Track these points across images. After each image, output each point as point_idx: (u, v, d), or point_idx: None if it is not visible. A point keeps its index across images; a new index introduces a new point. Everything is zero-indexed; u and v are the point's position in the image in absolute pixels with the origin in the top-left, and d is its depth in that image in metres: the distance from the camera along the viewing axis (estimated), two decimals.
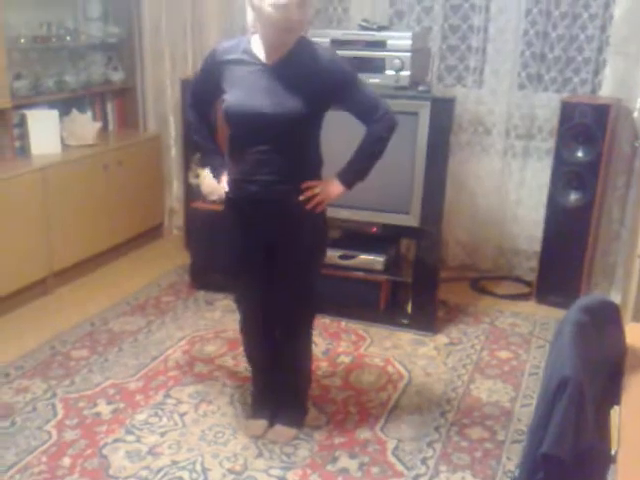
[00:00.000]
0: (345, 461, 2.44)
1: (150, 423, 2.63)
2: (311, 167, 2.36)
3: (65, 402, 2.75)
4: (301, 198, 2.28)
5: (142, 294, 3.77)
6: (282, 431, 2.58)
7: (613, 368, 1.79)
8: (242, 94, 2.23)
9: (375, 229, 3.40)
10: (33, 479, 2.31)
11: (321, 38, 3.40)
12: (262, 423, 2.61)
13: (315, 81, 2.20)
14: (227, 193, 2.39)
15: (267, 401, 2.63)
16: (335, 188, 2.35)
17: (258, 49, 2.24)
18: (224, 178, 2.40)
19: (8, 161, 3.66)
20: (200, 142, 2.49)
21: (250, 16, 2.21)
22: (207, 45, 4.27)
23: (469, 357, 3.18)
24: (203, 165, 2.51)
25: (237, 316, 2.61)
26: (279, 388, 2.62)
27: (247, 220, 2.36)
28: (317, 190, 2.31)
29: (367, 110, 2.30)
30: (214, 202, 3.59)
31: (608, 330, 1.84)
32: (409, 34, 3.33)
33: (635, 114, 3.57)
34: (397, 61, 3.30)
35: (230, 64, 2.26)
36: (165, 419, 2.66)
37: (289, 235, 2.35)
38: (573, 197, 3.57)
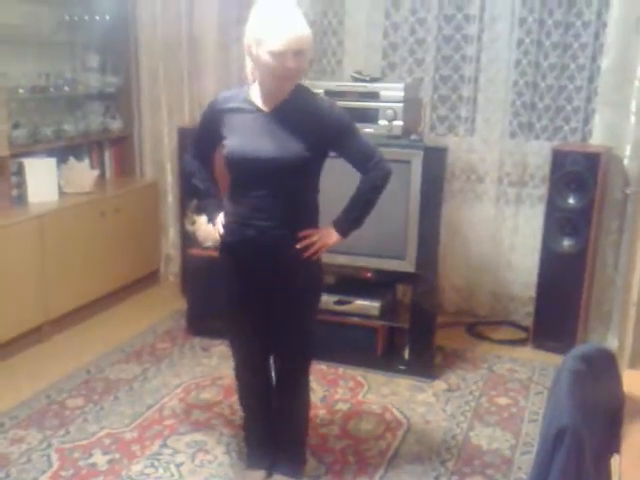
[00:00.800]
0: None
1: (146, 474, 2.59)
2: (308, 214, 2.38)
3: (60, 452, 2.71)
4: (298, 246, 2.30)
5: (138, 341, 3.75)
6: None
7: (611, 417, 1.79)
8: (242, 139, 2.25)
9: (370, 274, 3.42)
10: None
11: (315, 89, 3.47)
12: (260, 474, 2.57)
13: (313, 126, 2.23)
14: (223, 237, 2.41)
15: (264, 450, 2.60)
16: (331, 237, 2.36)
17: (257, 97, 2.28)
18: (219, 222, 2.41)
19: (5, 209, 3.68)
20: (198, 186, 2.51)
21: (249, 65, 2.26)
22: (204, 94, 4.36)
23: (468, 404, 3.16)
24: (200, 209, 2.51)
25: (232, 362, 2.59)
26: (277, 438, 2.58)
27: (243, 265, 2.36)
28: (314, 239, 2.32)
29: (363, 158, 2.33)
30: (209, 248, 3.62)
31: (605, 378, 1.84)
32: (401, 85, 3.41)
33: (625, 161, 3.63)
34: (390, 111, 3.37)
35: (230, 112, 2.30)
36: (161, 470, 2.62)
37: (284, 281, 2.35)
38: (566, 243, 3.61)
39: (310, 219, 2.38)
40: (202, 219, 3.74)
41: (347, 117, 2.33)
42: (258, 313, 2.42)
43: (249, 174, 2.27)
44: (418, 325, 3.38)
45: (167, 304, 4.25)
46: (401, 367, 3.42)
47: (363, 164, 2.34)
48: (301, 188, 2.32)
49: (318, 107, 2.28)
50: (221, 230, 2.40)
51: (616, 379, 1.86)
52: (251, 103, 2.28)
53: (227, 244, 2.40)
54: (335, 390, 3.26)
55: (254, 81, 2.27)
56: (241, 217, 2.31)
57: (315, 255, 2.35)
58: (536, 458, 1.66)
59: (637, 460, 1.70)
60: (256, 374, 2.54)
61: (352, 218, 2.38)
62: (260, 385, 2.56)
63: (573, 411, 1.63)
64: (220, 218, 2.41)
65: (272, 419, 2.58)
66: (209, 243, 3.67)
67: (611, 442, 1.75)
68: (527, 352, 3.72)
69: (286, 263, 2.33)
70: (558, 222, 3.60)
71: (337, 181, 3.31)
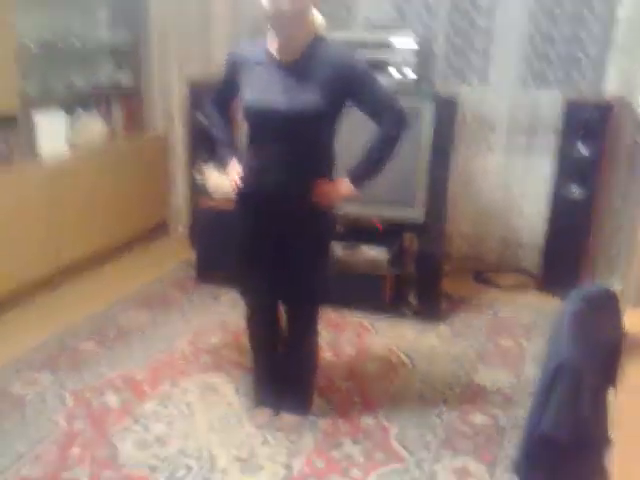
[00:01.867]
0: (349, 447, 2.48)
1: (157, 412, 2.67)
2: (325, 165, 2.39)
3: (74, 393, 2.80)
4: (313, 199, 2.32)
5: (148, 289, 3.83)
6: (288, 419, 2.62)
7: (611, 352, 1.83)
8: (259, 92, 2.27)
9: (379, 223, 3.44)
10: (43, 468, 2.35)
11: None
12: (267, 411, 2.65)
13: (330, 77, 2.22)
14: (239, 187, 2.43)
15: (272, 390, 2.68)
16: (345, 187, 2.36)
17: (274, 49, 2.28)
18: (234, 170, 2.43)
19: (17, 161, 3.72)
20: (216, 134, 2.53)
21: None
22: (214, 47, 4.36)
23: (472, 347, 3.21)
24: (216, 158, 2.52)
25: (241, 309, 2.65)
26: (286, 377, 2.66)
27: (258, 214, 2.40)
28: (328, 189, 2.34)
29: (381, 108, 2.31)
30: (218, 199, 3.65)
31: (606, 316, 1.87)
32: (413, 35, 3.38)
33: (638, 110, 3.59)
34: (401, 61, 3.34)
35: (248, 63, 2.31)
36: (172, 408, 2.70)
37: (298, 230, 2.38)
38: (575, 190, 3.60)
39: (326, 171, 2.39)
40: (212, 170, 3.77)
41: (366, 66, 2.31)
42: (269, 261, 2.45)
43: (265, 126, 2.29)
44: (425, 272, 3.42)
45: (176, 254, 4.31)
46: (407, 312, 3.46)
47: (380, 114, 2.31)
48: (317, 140, 2.33)
49: (335, 57, 2.26)
50: (236, 178, 2.42)
51: (616, 316, 1.89)
52: (269, 55, 2.28)
53: (243, 194, 2.42)
54: (342, 334, 3.31)
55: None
56: (258, 168, 2.34)
57: (329, 205, 2.37)
58: (536, 391, 1.71)
59: (632, 392, 1.74)
60: (266, 320, 2.60)
61: (366, 169, 2.38)
62: (269, 330, 2.63)
63: (572, 347, 1.66)
64: (235, 166, 2.43)
65: (280, 361, 2.65)
66: (219, 194, 3.70)
67: (609, 377, 1.79)
68: (534, 298, 3.75)
69: (301, 213, 2.36)
70: (568, 170, 3.60)
71: (355, 131, 3.33)
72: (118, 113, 4.59)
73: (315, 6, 2.29)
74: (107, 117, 4.48)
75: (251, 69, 2.30)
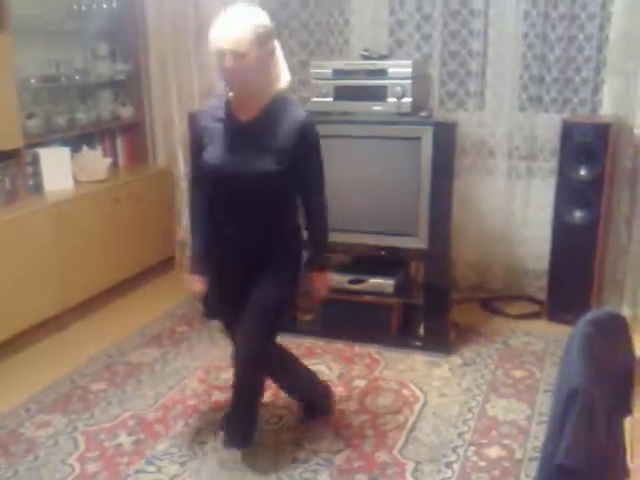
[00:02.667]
0: None
1: (171, 453, 2.66)
2: (287, 217, 2.45)
3: (86, 435, 2.79)
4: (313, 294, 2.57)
5: (157, 325, 3.82)
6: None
7: (623, 379, 1.83)
8: (216, 151, 2.30)
9: (383, 252, 3.45)
10: None
11: (323, 69, 3.50)
12: (235, 452, 2.63)
13: (284, 139, 2.26)
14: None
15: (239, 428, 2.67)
16: (325, 279, 2.63)
17: (235, 106, 2.31)
18: (196, 284, 2.49)
19: (22, 199, 3.74)
20: (194, 238, 2.52)
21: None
22: (213, 78, 4.38)
23: (483, 377, 3.20)
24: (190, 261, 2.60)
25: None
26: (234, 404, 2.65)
27: (223, 265, 2.46)
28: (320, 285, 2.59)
29: (314, 182, 2.41)
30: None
31: (617, 342, 1.87)
32: (409, 62, 3.41)
33: (635, 130, 3.62)
34: (398, 88, 3.37)
35: (212, 122, 2.34)
36: (185, 448, 2.69)
37: (266, 269, 2.42)
38: (578, 215, 3.61)
39: (290, 220, 2.46)
40: None
41: (317, 139, 2.35)
42: (237, 296, 2.47)
43: (225, 188, 2.33)
44: (432, 301, 3.41)
45: (183, 289, 4.22)
46: (417, 343, 3.46)
47: (309, 192, 2.43)
48: (280, 203, 2.37)
49: (292, 119, 2.28)
50: (199, 288, 2.50)
51: (627, 342, 1.89)
52: (229, 112, 2.31)
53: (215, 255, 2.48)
54: (352, 367, 3.31)
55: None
56: (216, 223, 2.39)
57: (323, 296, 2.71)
58: (549, 420, 1.70)
59: None
60: None
61: (321, 251, 2.58)
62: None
63: (584, 373, 1.66)
64: (199, 281, 2.48)
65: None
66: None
67: (623, 404, 1.78)
68: (542, 325, 3.75)
69: (269, 261, 2.42)
70: (569, 194, 3.60)
71: (338, 164, 3.36)
72: (121, 147, 4.62)
73: (277, 64, 2.31)
74: (110, 151, 4.51)
75: (213, 128, 2.33)
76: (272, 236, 2.40)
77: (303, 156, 2.31)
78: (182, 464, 2.59)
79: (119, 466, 2.58)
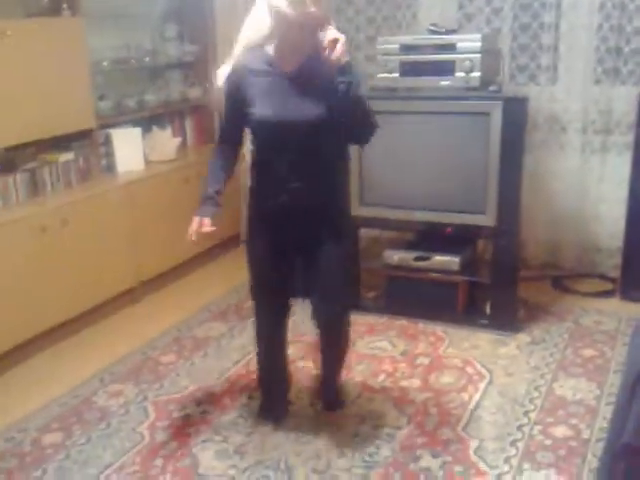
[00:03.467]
0: (427, 460, 2.45)
1: (236, 424, 2.72)
2: (340, 172, 2.42)
3: (156, 405, 2.88)
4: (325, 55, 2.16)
5: (223, 301, 3.90)
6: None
7: None
8: (266, 105, 2.27)
9: (450, 230, 3.41)
10: (128, 478, 2.43)
11: (390, 45, 3.46)
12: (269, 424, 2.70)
13: (331, 84, 2.20)
14: (254, 205, 2.48)
15: (275, 400, 2.77)
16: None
17: (277, 58, 2.29)
18: (203, 226, 2.41)
19: (96, 178, 3.87)
20: (207, 187, 2.50)
21: (266, 25, 2.27)
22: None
23: (552, 356, 3.13)
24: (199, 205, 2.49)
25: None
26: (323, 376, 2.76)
27: (275, 230, 2.43)
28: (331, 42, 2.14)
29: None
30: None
31: None
32: (478, 36, 3.33)
33: None
34: (467, 63, 3.30)
35: (252, 75, 2.30)
36: (250, 420, 2.74)
37: (317, 237, 2.41)
38: None
39: (342, 181, 2.42)
40: None
41: (359, 76, 2.27)
42: (286, 269, 2.50)
43: (275, 140, 2.31)
44: (499, 280, 3.35)
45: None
46: (483, 322, 3.41)
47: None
48: (330, 149, 2.33)
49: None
50: (207, 229, 2.41)
51: None
52: (272, 65, 2.29)
53: (258, 212, 2.47)
54: (416, 345, 3.29)
55: (273, 42, 2.28)
56: (272, 184, 2.36)
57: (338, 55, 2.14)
58: (617, 400, 1.66)
59: None
60: (277, 329, 2.67)
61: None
62: (279, 341, 2.70)
63: None
64: (204, 223, 2.41)
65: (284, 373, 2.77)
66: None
67: None
68: (614, 304, 3.63)
69: (320, 224, 2.39)
70: None
71: (405, 141, 3.32)
72: (190, 127, 4.71)
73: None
74: (180, 131, 4.60)
75: (256, 82, 2.30)
76: (327, 189, 2.37)
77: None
78: (247, 434, 2.64)
79: (187, 435, 2.66)
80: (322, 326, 2.57)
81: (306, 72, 2.27)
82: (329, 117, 2.24)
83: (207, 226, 2.40)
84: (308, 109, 2.24)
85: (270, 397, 2.77)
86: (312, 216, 2.38)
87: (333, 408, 2.78)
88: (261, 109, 2.29)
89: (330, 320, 2.55)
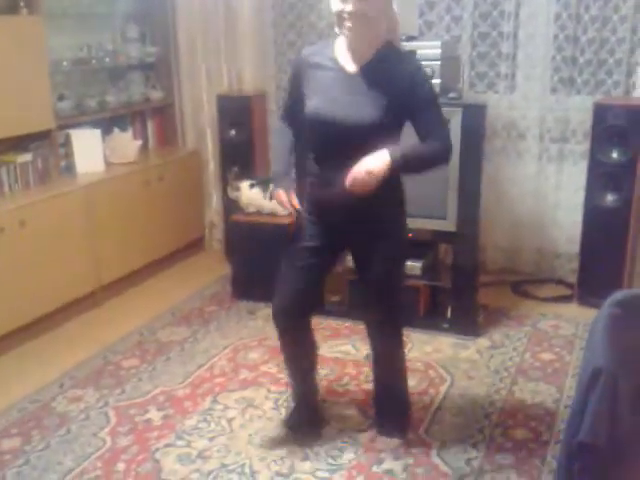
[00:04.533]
0: (390, 463, 2.48)
1: (199, 428, 2.70)
2: (390, 177, 2.29)
3: (117, 410, 2.84)
4: (348, 189, 2.15)
5: (186, 305, 3.87)
6: (385, 442, 2.61)
7: None
8: (321, 101, 2.22)
9: (410, 234, 3.43)
10: None
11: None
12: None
13: (395, 89, 2.16)
14: (303, 201, 2.40)
15: (303, 419, 2.68)
16: (380, 155, 2.13)
17: (341, 55, 2.24)
18: (288, 201, 2.37)
19: (54, 180, 3.81)
20: (273, 159, 2.50)
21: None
22: (241, 61, 4.40)
23: (512, 360, 3.19)
24: (271, 175, 2.46)
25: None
26: (379, 404, 2.67)
27: (321, 221, 2.35)
28: (359, 165, 2.13)
29: (431, 132, 2.21)
30: (252, 213, 3.70)
31: None
32: (438, 43, 3.38)
33: None
34: (427, 70, 3.33)
35: (313, 68, 2.27)
36: (213, 424, 2.73)
37: (366, 241, 2.35)
38: (610, 198, 3.57)
39: (391, 182, 2.25)
40: (246, 186, 3.81)
41: (430, 85, 2.24)
42: (319, 267, 2.41)
43: (327, 137, 2.24)
44: (460, 284, 3.40)
45: (212, 270, 4.35)
46: (444, 325, 3.45)
47: (430, 139, 2.21)
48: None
49: (404, 69, 2.19)
50: (297, 205, 2.36)
51: None
52: (335, 61, 2.24)
53: (308, 201, 2.39)
54: None
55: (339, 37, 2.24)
56: (321, 177, 2.31)
57: (363, 187, 2.13)
58: (573, 399, 1.70)
59: None
60: (297, 328, 2.51)
61: (409, 149, 2.20)
62: (303, 349, 2.57)
63: (608, 353, 1.65)
64: (290, 197, 2.36)
65: (315, 388, 2.68)
66: (253, 208, 3.75)
67: None
68: (572, 309, 3.72)
69: (368, 223, 2.31)
70: (601, 177, 3.56)
71: None
72: (151, 129, 4.67)
73: (393, 12, 2.23)
74: (141, 133, 4.56)
75: (315, 75, 2.26)
76: (381, 194, 2.19)
77: (413, 104, 2.19)
78: (211, 439, 2.63)
79: (149, 440, 2.63)
80: (373, 350, 2.58)
81: (368, 73, 2.20)
82: (382, 122, 2.16)
83: (293, 198, 2.37)
84: (362, 111, 2.17)
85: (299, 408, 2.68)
86: (359, 216, 2.28)
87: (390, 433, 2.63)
88: (314, 104, 2.23)
89: (377, 346, 2.55)
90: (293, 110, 2.41)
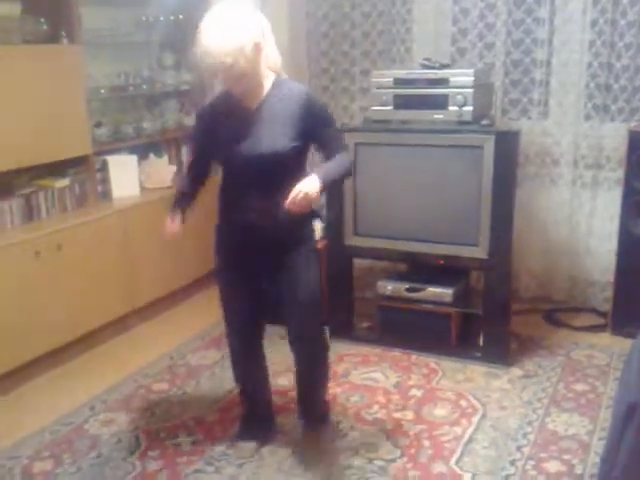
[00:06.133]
0: None
1: (228, 454, 2.71)
2: None
3: (147, 434, 2.86)
4: (286, 205, 2.24)
5: (216, 329, 3.88)
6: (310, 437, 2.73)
7: None
8: (231, 138, 2.37)
9: (442, 261, 3.43)
10: None
11: (384, 78, 3.51)
12: (251, 445, 2.72)
13: (294, 115, 2.33)
14: (221, 226, 2.59)
15: (256, 423, 2.79)
16: (312, 179, 2.25)
17: (241, 98, 2.37)
18: (178, 218, 2.61)
19: (91, 204, 3.88)
20: (179, 186, 2.69)
21: None
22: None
23: (544, 390, 3.14)
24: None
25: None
26: (301, 400, 2.78)
27: (242, 253, 2.50)
28: (296, 194, 2.24)
29: (335, 148, 2.42)
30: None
31: None
32: (471, 70, 3.38)
33: None
34: (460, 97, 3.35)
35: (217, 114, 2.43)
36: (243, 451, 2.72)
37: (284, 260, 2.47)
38: None
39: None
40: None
41: (323, 106, 2.46)
42: (254, 293, 2.56)
43: (241, 171, 2.40)
44: (492, 312, 3.36)
45: None
46: (476, 354, 3.42)
47: (332, 153, 2.41)
48: (295, 175, 2.35)
49: (297, 97, 2.36)
50: (173, 226, 2.63)
51: None
52: (236, 102, 2.38)
53: (225, 228, 2.58)
54: (409, 376, 3.29)
55: None
56: (238, 205, 2.43)
57: (301, 204, 2.23)
58: (608, 434, 1.67)
59: None
60: (252, 348, 2.71)
61: (330, 172, 2.35)
62: (254, 359, 2.73)
63: None
64: (174, 221, 2.63)
65: (263, 394, 2.80)
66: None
67: None
68: (606, 338, 3.66)
69: (284, 245, 2.46)
70: (636, 205, 3.51)
71: (399, 173, 3.35)
72: (186, 155, 4.73)
73: (270, 50, 2.36)
74: (175, 159, 4.62)
75: (222, 120, 2.41)
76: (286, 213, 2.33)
77: (314, 125, 2.37)
78: (239, 466, 2.63)
79: (178, 465, 2.64)
80: (295, 352, 2.61)
81: (267, 107, 2.36)
82: (291, 147, 2.34)
83: (175, 224, 2.61)
84: (269, 142, 2.32)
85: (252, 417, 2.80)
86: (278, 239, 2.45)
87: (314, 428, 2.78)
88: (228, 146, 2.38)
89: (302, 348, 2.59)
90: (203, 160, 2.59)
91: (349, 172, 2.47)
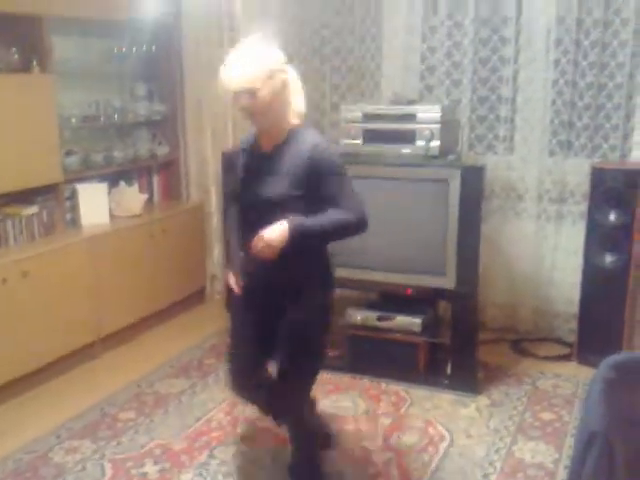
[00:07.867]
0: None
1: None
2: (306, 250, 2.39)
3: (113, 462, 2.82)
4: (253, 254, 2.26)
5: (185, 357, 3.87)
6: None
7: None
8: (244, 179, 2.43)
9: (410, 291, 3.47)
10: None
11: (353, 113, 3.59)
12: None
13: (300, 166, 2.29)
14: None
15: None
16: (278, 225, 2.23)
17: (260, 138, 2.42)
18: (232, 281, 2.51)
19: (59, 232, 3.86)
20: (230, 231, 2.61)
21: None
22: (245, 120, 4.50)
23: (511, 418, 3.17)
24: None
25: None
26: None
27: (246, 286, 2.47)
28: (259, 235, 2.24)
29: (336, 204, 2.29)
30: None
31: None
32: (438, 106, 3.48)
33: None
34: (427, 132, 3.43)
35: (242, 153, 2.49)
36: (209, 479, 2.70)
37: (289, 308, 2.41)
38: (608, 259, 3.61)
39: (309, 254, 2.40)
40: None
41: (339, 163, 2.33)
42: (257, 340, 2.50)
43: (251, 212, 2.41)
44: (459, 341, 3.41)
45: (213, 322, 4.35)
46: (444, 382, 3.45)
47: (333, 207, 2.30)
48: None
49: (303, 146, 2.31)
50: (236, 288, 2.49)
51: None
52: (255, 144, 2.44)
53: (241, 272, 2.50)
54: (378, 404, 3.30)
55: None
56: (242, 250, 2.45)
57: (262, 254, 2.24)
58: (570, 462, 1.70)
59: None
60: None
61: (311, 222, 2.28)
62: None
63: (604, 417, 1.66)
64: (234, 277, 2.51)
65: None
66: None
67: None
68: (571, 368, 3.71)
69: (290, 293, 2.39)
70: (599, 238, 3.61)
71: (368, 205, 3.40)
72: (156, 183, 4.75)
73: (295, 97, 2.39)
74: (146, 187, 4.63)
75: (243, 158, 2.47)
76: (296, 261, 2.32)
77: (317, 179, 2.29)
78: None
79: None
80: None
81: (280, 152, 2.35)
82: (291, 196, 2.30)
83: (239, 284, 2.49)
84: (271, 187, 2.32)
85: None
86: (277, 285, 2.40)
87: None
88: (239, 184, 2.44)
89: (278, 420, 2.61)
90: (235, 192, 2.56)
91: (346, 226, 2.31)
